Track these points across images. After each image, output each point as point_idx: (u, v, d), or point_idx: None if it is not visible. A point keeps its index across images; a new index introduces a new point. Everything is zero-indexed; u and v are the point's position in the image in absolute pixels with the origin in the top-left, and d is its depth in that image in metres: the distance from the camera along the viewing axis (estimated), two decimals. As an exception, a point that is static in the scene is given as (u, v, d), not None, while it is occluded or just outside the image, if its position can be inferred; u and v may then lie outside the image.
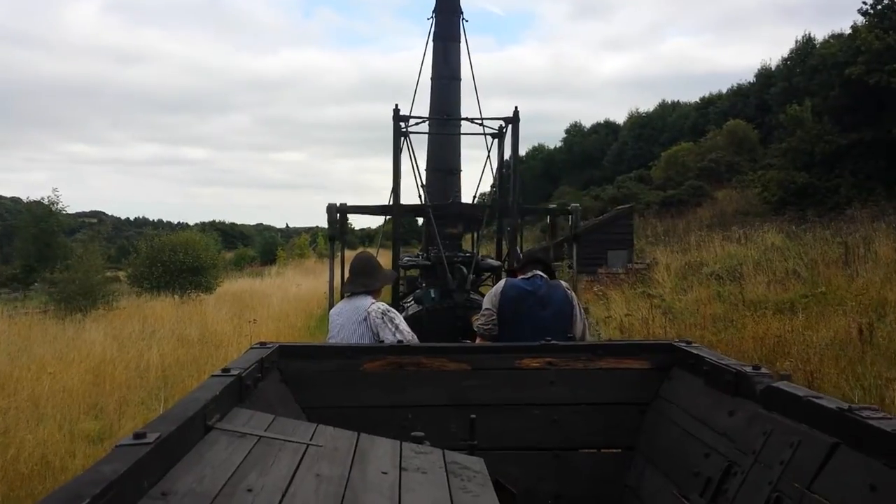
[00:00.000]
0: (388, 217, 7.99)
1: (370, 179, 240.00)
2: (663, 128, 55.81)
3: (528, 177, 60.25)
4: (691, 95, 61.41)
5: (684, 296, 12.46)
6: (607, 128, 62.96)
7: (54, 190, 24.83)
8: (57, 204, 24.58)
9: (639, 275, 14.92)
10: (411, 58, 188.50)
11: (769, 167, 35.51)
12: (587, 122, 65.84)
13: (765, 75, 50.58)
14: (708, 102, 55.06)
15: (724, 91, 54.99)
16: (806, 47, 48.22)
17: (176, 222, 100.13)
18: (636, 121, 59.80)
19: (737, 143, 39.95)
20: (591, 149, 59.93)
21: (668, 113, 58.00)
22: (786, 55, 49.12)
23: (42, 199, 25.12)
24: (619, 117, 64.93)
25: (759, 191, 24.28)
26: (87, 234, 25.70)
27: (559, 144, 65.19)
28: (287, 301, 19.34)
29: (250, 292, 22.65)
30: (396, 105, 7.56)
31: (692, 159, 38.99)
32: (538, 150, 65.71)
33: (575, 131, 64.65)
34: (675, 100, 60.40)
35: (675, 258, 15.60)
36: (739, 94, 52.24)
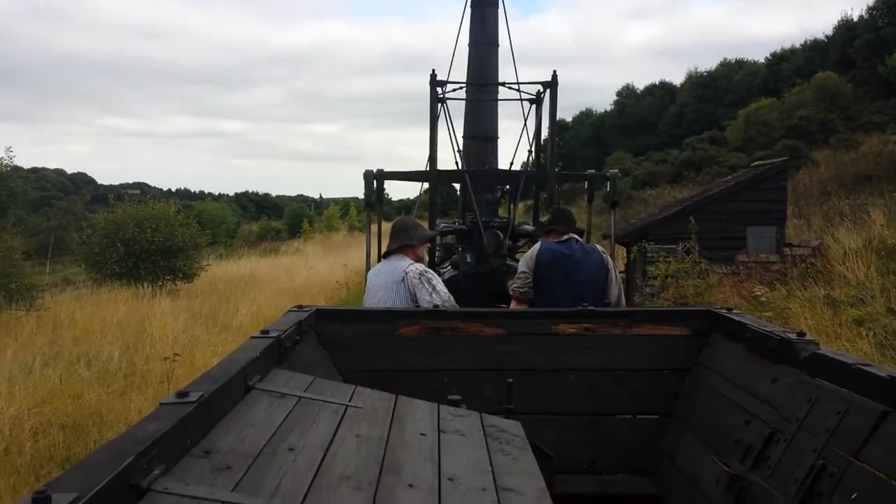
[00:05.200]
0: (424, 186, 7.98)
1: (404, 150, 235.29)
2: (728, 88, 50.64)
3: (575, 143, 55.18)
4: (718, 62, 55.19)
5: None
6: (663, 89, 57.23)
7: (8, 149, 18.68)
8: (7, 166, 18.20)
9: (805, 265, 9.79)
10: (436, 28, 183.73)
11: (871, 124, 30.32)
12: (615, 91, 60.03)
13: (846, 27, 45.40)
14: (780, 59, 49.69)
15: (798, 46, 49.60)
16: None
17: (217, 193, 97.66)
18: (697, 81, 54.26)
19: (828, 99, 34.44)
20: (645, 112, 54.55)
21: (733, 71, 52.44)
22: (871, 4, 44.10)
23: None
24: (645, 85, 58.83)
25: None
26: (61, 207, 20.58)
27: (610, 107, 59.53)
28: (285, 294, 14.56)
29: (247, 278, 17.97)
30: (433, 70, 7.47)
31: (776, 118, 33.55)
32: (586, 115, 60.32)
33: (627, 93, 58.84)
34: (741, 57, 54.62)
35: (850, 239, 10.37)
36: (816, 49, 47.06)
